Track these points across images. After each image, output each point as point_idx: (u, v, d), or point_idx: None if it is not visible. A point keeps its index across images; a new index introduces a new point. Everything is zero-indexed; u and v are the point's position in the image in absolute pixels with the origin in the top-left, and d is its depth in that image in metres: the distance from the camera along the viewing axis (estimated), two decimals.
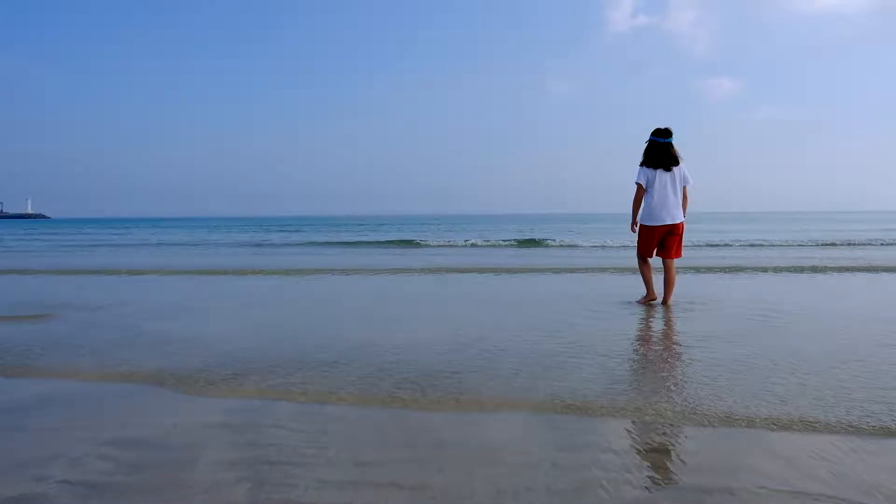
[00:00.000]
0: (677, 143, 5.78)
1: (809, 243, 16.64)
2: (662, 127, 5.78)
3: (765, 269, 9.15)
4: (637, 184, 5.80)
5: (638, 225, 5.91)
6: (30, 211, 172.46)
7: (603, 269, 9.39)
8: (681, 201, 5.78)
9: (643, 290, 5.95)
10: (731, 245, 16.17)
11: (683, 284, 6.69)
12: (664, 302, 5.72)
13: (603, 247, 16.49)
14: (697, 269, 9.10)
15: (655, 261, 5.92)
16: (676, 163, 5.73)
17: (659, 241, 5.82)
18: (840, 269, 9.05)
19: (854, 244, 16.01)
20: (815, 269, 9.03)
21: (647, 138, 5.82)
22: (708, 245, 16.04)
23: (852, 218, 53.83)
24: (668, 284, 5.80)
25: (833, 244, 16.10)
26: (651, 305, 5.66)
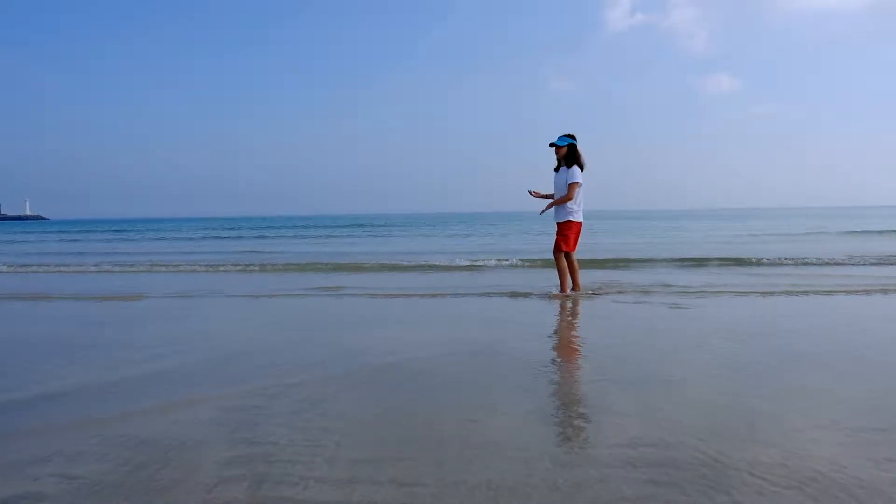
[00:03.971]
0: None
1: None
2: (569, 133, 6.24)
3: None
4: (580, 185, 6.16)
5: (568, 223, 6.21)
6: (28, 212, 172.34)
7: None
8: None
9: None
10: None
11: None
12: (576, 289, 6.20)
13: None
14: None
15: None
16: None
17: None
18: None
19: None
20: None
21: (572, 142, 6.19)
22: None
23: (842, 213, 53.58)
24: (575, 273, 6.27)
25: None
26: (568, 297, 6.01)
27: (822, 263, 9.26)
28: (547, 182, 6.44)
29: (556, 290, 6.22)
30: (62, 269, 10.98)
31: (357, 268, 10.00)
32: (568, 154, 6.15)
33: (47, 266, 11.45)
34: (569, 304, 5.69)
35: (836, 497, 1.77)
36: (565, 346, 4.09)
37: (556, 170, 6.28)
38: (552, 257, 6.32)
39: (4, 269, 11.09)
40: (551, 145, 6.20)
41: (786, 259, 9.71)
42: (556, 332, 4.55)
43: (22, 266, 11.50)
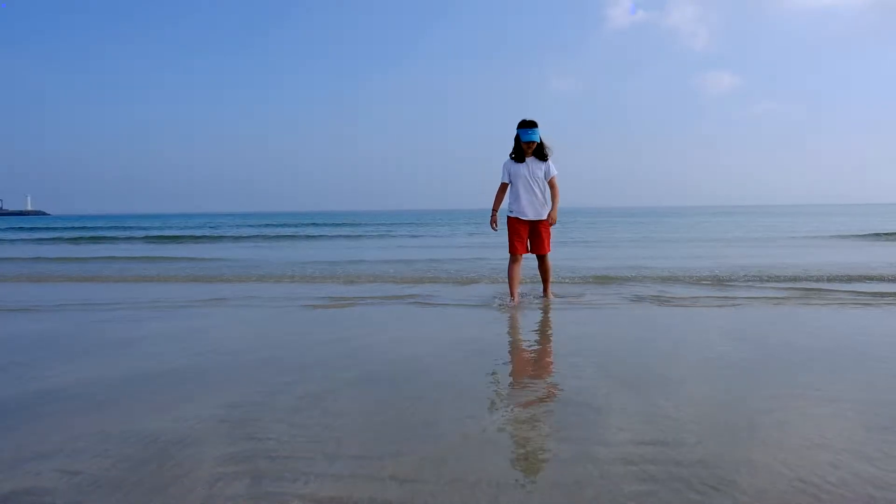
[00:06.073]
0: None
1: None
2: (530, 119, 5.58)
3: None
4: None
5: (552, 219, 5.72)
6: (29, 208, 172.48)
7: None
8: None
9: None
10: None
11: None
12: (546, 294, 5.84)
13: None
14: None
15: None
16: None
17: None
18: None
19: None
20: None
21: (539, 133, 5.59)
22: None
23: (842, 212, 53.32)
24: (547, 276, 5.90)
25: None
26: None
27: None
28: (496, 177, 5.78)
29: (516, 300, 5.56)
30: None
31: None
32: (541, 146, 5.61)
33: None
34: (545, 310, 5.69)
35: (839, 497, 1.77)
36: (559, 346, 4.09)
37: (519, 160, 5.61)
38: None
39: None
40: (530, 142, 5.52)
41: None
42: (546, 335, 4.56)
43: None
